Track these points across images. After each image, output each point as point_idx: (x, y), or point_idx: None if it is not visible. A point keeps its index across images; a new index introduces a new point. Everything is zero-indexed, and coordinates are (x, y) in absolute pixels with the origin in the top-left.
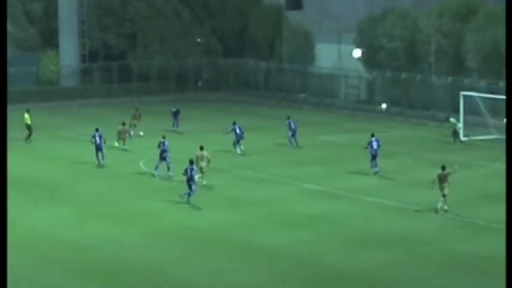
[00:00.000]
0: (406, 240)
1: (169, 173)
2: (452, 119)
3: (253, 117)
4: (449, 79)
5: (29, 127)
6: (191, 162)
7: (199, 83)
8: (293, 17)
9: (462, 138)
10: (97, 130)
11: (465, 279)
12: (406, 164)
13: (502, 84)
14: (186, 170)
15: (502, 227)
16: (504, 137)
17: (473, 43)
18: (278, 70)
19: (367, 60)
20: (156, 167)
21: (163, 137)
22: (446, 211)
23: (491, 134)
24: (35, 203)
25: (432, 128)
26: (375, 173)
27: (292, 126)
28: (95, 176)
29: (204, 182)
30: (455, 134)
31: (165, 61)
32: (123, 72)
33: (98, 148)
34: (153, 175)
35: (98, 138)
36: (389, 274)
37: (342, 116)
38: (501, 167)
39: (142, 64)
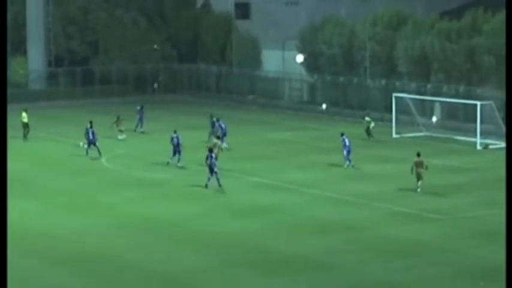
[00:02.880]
0: (345, 228)
1: (179, 165)
2: (367, 118)
3: (205, 117)
4: (383, 82)
5: (25, 125)
6: (210, 150)
7: (156, 86)
8: (241, 25)
9: (374, 135)
10: (91, 126)
11: (398, 262)
12: (342, 159)
13: (430, 86)
14: (207, 157)
15: (430, 215)
16: (432, 134)
17: (403, 49)
18: (228, 74)
19: (309, 64)
20: (171, 159)
21: (175, 132)
22: (415, 191)
23: (420, 131)
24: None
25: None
26: (351, 166)
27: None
28: (64, 171)
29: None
30: (369, 131)
31: (125, 66)
32: (86, 76)
33: (91, 143)
34: (168, 163)
35: (90, 134)
36: (330, 258)
37: (286, 115)
38: (429, 161)
39: (103, 69)
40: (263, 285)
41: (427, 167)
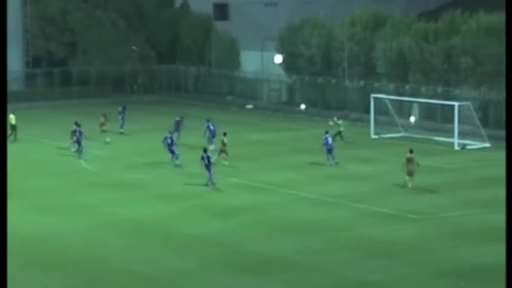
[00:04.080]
0: (324, 228)
1: (177, 162)
2: (337, 120)
3: (184, 117)
4: (361, 83)
5: (13, 127)
6: (205, 150)
7: (135, 87)
8: (220, 26)
9: (345, 138)
10: (78, 125)
11: (376, 262)
12: (322, 160)
13: (408, 87)
14: (202, 157)
15: (408, 215)
16: (410, 135)
17: (382, 50)
18: (207, 74)
19: (287, 65)
20: (172, 159)
21: (170, 132)
22: (402, 187)
23: (398, 132)
24: None
25: (346, 127)
26: (335, 164)
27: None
28: (43, 172)
29: (226, 163)
30: (339, 134)
31: (103, 67)
32: (65, 77)
33: (78, 142)
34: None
35: (78, 134)
36: (307, 258)
37: (265, 116)
38: None
39: (82, 70)
40: (242, 285)
41: (418, 164)
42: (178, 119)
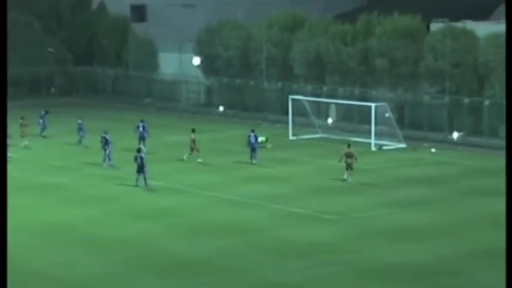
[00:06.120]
0: (243, 229)
1: (110, 163)
2: (261, 138)
3: (103, 120)
4: (279, 84)
5: None
6: (138, 150)
7: (52, 89)
8: (138, 28)
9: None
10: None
11: (294, 263)
12: (240, 161)
13: (325, 88)
14: (136, 158)
15: (326, 215)
16: (328, 135)
17: (299, 52)
18: (125, 77)
19: (206, 67)
20: (104, 160)
21: (105, 132)
22: (344, 180)
23: (316, 133)
24: None
25: (265, 129)
26: (255, 163)
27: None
28: None
29: (200, 160)
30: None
31: (19, 68)
32: None
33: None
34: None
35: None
36: (227, 259)
37: (183, 118)
38: (325, 162)
39: None
40: None
41: (356, 158)
42: (79, 121)
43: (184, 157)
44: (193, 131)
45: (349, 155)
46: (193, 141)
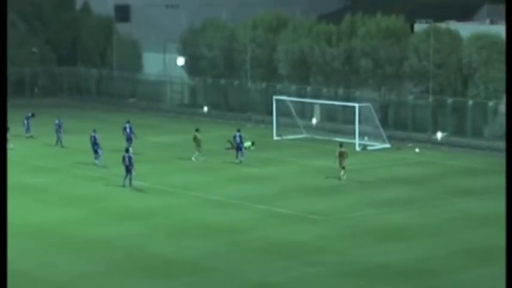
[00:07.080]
0: (227, 230)
1: (97, 162)
2: (247, 143)
3: (87, 120)
4: (264, 84)
5: None
6: (127, 150)
7: (36, 90)
8: (122, 28)
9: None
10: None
11: (278, 264)
12: (225, 162)
13: (310, 89)
14: (124, 158)
15: (310, 216)
16: (312, 136)
17: (283, 52)
18: (109, 77)
19: (190, 67)
20: (95, 158)
21: (94, 131)
22: (339, 179)
23: (300, 133)
24: None
25: (249, 129)
26: (239, 162)
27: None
28: None
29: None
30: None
31: None
32: None
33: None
34: (95, 164)
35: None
36: (212, 260)
37: (168, 118)
38: (309, 163)
39: None
40: None
41: (347, 156)
42: (57, 121)
43: (193, 158)
44: (197, 130)
45: (341, 155)
46: (198, 140)
